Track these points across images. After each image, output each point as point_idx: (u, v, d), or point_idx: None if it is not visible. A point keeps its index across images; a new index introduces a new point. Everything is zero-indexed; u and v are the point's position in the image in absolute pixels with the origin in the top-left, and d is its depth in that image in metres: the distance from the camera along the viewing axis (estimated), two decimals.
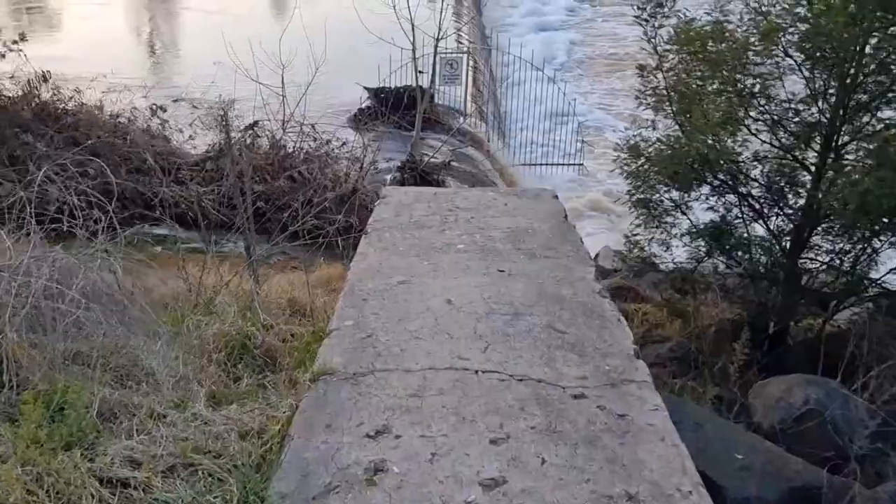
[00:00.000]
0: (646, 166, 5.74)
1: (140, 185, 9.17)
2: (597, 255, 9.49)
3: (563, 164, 13.83)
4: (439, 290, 2.80)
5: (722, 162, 5.14)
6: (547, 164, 13.77)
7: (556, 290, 2.85)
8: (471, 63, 13.99)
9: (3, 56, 9.89)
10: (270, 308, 3.83)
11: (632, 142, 5.86)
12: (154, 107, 12.52)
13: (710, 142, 5.07)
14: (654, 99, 5.64)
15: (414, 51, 10.83)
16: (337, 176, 9.09)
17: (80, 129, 9.69)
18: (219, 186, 9.39)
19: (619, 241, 11.35)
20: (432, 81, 11.83)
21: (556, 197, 4.25)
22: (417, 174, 10.33)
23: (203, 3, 23.92)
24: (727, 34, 5.28)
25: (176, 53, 19.64)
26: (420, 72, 11.13)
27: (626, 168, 5.59)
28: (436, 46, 11.08)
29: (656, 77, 5.63)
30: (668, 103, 5.59)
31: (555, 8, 27.63)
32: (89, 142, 9.63)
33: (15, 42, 9.78)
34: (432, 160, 10.74)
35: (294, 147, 9.59)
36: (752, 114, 5.55)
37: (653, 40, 5.56)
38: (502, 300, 2.73)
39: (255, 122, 10.02)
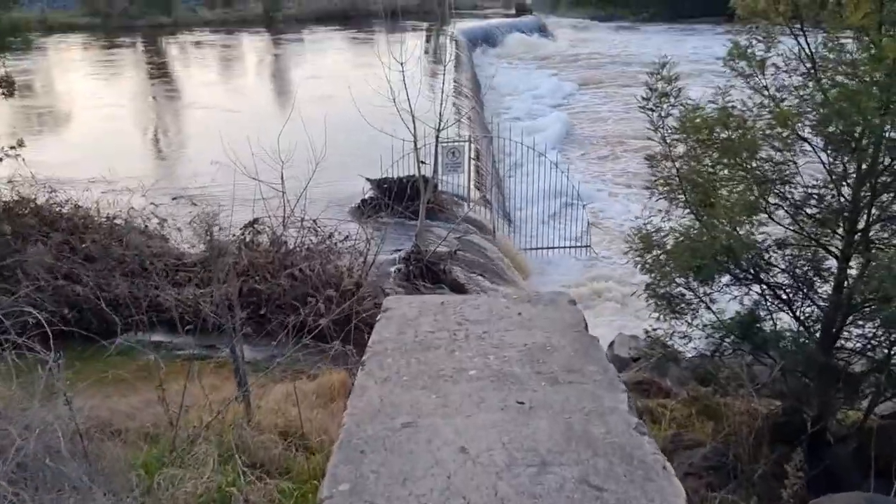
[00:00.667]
0: (662, 257, 5.41)
1: (134, 289, 8.87)
2: (612, 344, 9.06)
3: (570, 247, 13.58)
4: (451, 435, 2.40)
5: (746, 253, 4.81)
6: (553, 248, 13.52)
7: (586, 429, 2.45)
8: (473, 151, 13.95)
9: (1, 160, 9.80)
10: (261, 444, 3.43)
11: (643, 231, 5.55)
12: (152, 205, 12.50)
13: (732, 232, 4.75)
14: (666, 189, 5.37)
15: (415, 141, 10.73)
16: (340, 272, 8.77)
17: (76, 233, 9.47)
18: (218, 287, 9.11)
19: (633, 323, 11.13)
20: (435, 171, 11.69)
21: (574, 302, 3.89)
22: (423, 265, 10.03)
23: (211, 100, 24.38)
24: (734, 120, 5.06)
25: (179, 152, 19.83)
26: (422, 162, 11.01)
27: (638, 259, 5.26)
28: (437, 136, 10.99)
29: (666, 166, 5.37)
30: (681, 192, 5.31)
31: (549, 91, 28.07)
32: (83, 245, 9.44)
33: (13, 147, 9.70)
34: (438, 250, 10.45)
35: (295, 243, 9.33)
36: (771, 200, 5.26)
37: (660, 129, 5.32)
38: (525, 445, 2.33)
39: (255, 220, 9.80)
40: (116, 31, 50.53)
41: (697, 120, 5.17)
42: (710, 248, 4.82)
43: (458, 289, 10.12)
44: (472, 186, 13.58)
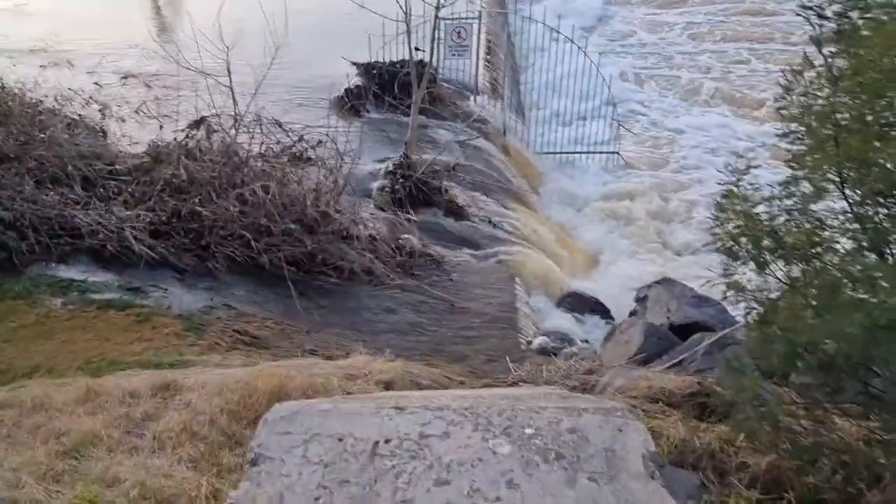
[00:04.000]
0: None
1: (44, 208, 6.98)
2: (644, 299, 7.21)
3: (594, 153, 11.48)
4: None
5: None
6: (574, 153, 11.42)
7: None
8: (483, 31, 11.51)
9: None
10: None
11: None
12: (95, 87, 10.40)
13: None
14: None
15: (408, 19, 8.42)
16: (303, 195, 6.84)
17: None
18: (152, 207, 7.22)
19: (673, 266, 9.17)
20: (433, 56, 9.40)
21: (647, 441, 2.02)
22: (412, 184, 8.05)
23: None
24: None
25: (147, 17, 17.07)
26: (417, 49, 8.73)
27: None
28: (436, 13, 8.65)
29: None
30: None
31: None
32: None
33: None
34: (435, 160, 8.45)
35: (248, 152, 7.33)
36: None
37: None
38: None
39: (202, 119, 7.75)
40: None
41: None
42: None
43: (456, 213, 8.21)
44: (481, 75, 11.28)
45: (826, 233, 2.64)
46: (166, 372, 4.88)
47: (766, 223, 2.73)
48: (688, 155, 12.17)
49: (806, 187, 2.67)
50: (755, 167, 2.87)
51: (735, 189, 2.82)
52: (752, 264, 3.33)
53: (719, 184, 3.00)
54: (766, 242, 2.68)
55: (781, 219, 2.76)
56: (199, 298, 6.51)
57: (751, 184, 3.31)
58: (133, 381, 4.56)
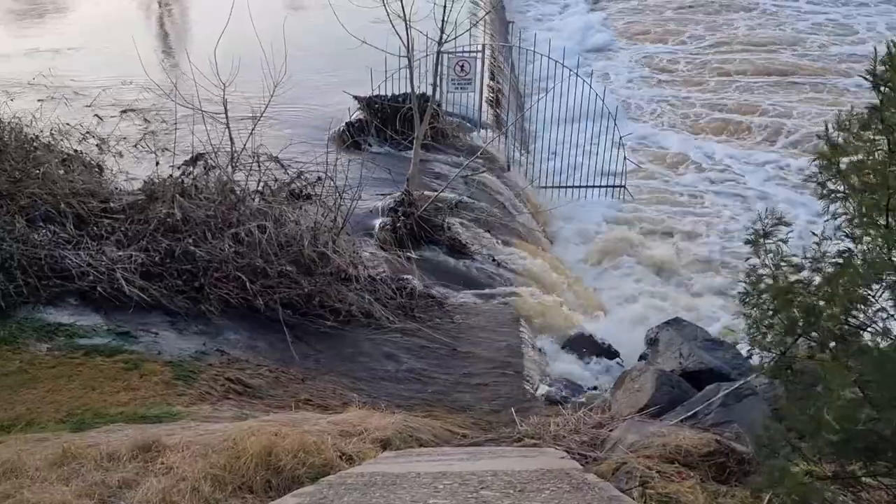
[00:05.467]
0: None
1: (34, 248, 6.75)
2: (655, 342, 6.93)
3: (600, 187, 11.26)
4: None
5: None
6: (580, 187, 11.20)
7: None
8: (486, 63, 11.38)
9: None
10: None
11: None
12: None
13: None
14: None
15: (410, 54, 8.27)
16: (299, 235, 6.62)
17: None
18: (145, 247, 7.00)
19: (685, 300, 8.92)
20: (436, 88, 9.23)
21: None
22: (414, 221, 7.83)
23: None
24: None
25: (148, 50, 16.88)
26: (418, 91, 8.57)
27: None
28: (438, 49, 8.51)
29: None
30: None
31: None
32: None
33: None
34: (437, 199, 8.24)
35: (244, 190, 7.12)
36: None
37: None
38: None
39: (198, 156, 7.57)
40: None
41: None
42: None
43: (459, 251, 7.98)
44: (484, 108, 11.11)
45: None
46: (150, 427, 4.61)
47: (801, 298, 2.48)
48: (697, 188, 11.96)
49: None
50: (787, 224, 2.64)
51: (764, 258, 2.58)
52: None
53: (747, 240, 2.77)
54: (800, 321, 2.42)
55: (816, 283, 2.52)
56: (191, 343, 6.26)
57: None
58: (113, 439, 4.29)
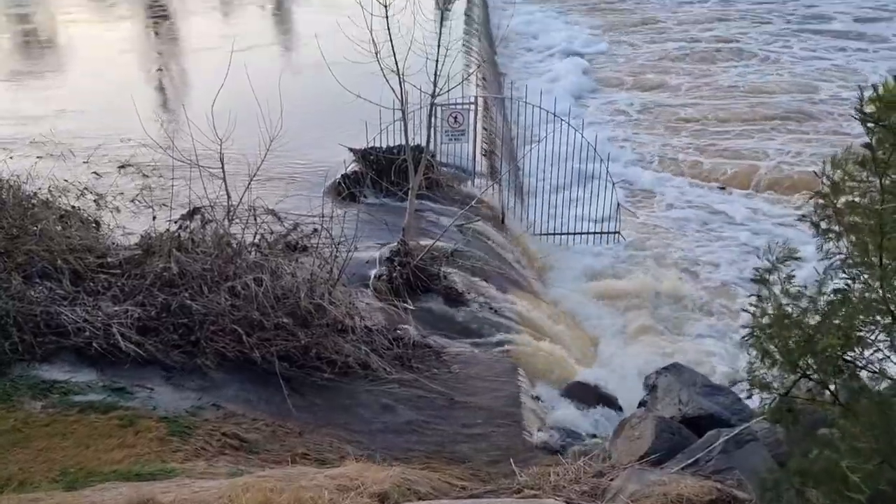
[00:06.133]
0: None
1: (30, 305, 6.76)
2: (653, 388, 6.89)
3: (595, 233, 11.35)
4: None
5: None
6: (575, 234, 11.28)
7: None
8: (480, 115, 11.58)
9: None
10: None
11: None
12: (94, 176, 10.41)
13: None
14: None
15: (403, 107, 8.42)
16: (296, 287, 6.64)
17: None
18: (141, 302, 7.01)
19: (684, 344, 8.93)
20: (430, 139, 9.37)
21: None
22: (410, 271, 7.87)
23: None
24: None
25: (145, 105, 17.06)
26: (412, 142, 8.70)
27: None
28: (432, 102, 8.67)
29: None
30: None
31: (578, 41, 25.05)
32: None
33: None
34: (432, 248, 8.29)
35: (241, 243, 7.17)
36: None
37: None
38: None
39: (195, 210, 7.63)
40: None
41: None
42: None
43: (455, 300, 7.99)
44: (478, 158, 11.27)
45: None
46: (145, 485, 4.55)
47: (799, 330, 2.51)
48: (690, 232, 12.07)
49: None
50: (796, 258, 2.68)
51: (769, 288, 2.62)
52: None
53: (754, 278, 2.81)
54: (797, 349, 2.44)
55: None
56: (187, 398, 6.21)
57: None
58: (108, 498, 4.24)
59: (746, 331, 3.20)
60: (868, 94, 2.95)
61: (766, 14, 28.30)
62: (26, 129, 12.96)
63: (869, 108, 2.92)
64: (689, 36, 25.37)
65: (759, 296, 3.07)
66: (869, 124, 2.83)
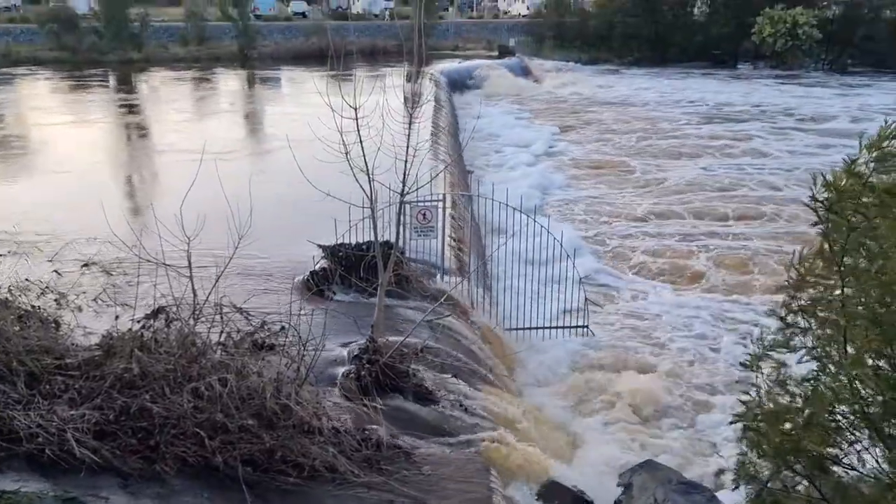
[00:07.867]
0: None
1: None
2: (628, 487, 6.76)
3: (564, 328, 11.38)
4: None
5: None
6: (543, 328, 11.30)
7: None
8: (448, 211, 11.78)
9: None
10: None
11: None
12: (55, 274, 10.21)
13: None
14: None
15: (373, 206, 8.53)
16: (262, 387, 6.47)
17: None
18: (99, 405, 6.75)
19: (657, 442, 8.80)
20: (399, 236, 9.45)
21: None
22: (379, 369, 7.74)
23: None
24: None
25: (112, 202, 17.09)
26: (381, 239, 8.78)
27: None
28: (401, 201, 8.80)
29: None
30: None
31: (537, 139, 26.06)
32: None
33: None
34: (402, 345, 8.19)
35: (206, 342, 7.02)
36: None
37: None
38: None
39: (159, 309, 7.49)
40: (84, 66, 48.40)
41: None
42: None
43: (425, 397, 7.85)
44: (447, 254, 11.37)
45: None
46: None
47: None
48: (659, 326, 12.16)
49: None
50: (787, 347, 2.71)
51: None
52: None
53: (743, 362, 2.81)
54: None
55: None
56: None
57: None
58: None
59: (738, 423, 3.20)
60: (820, 182, 3.06)
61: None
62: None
63: (822, 196, 3.03)
64: (645, 131, 26.53)
65: (751, 383, 3.09)
66: (821, 212, 2.93)
